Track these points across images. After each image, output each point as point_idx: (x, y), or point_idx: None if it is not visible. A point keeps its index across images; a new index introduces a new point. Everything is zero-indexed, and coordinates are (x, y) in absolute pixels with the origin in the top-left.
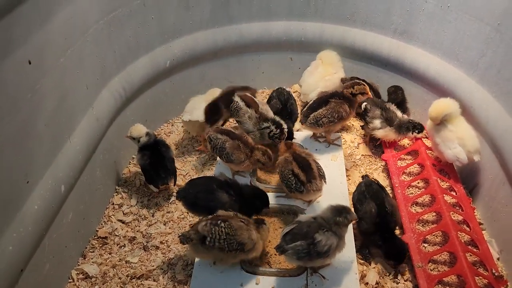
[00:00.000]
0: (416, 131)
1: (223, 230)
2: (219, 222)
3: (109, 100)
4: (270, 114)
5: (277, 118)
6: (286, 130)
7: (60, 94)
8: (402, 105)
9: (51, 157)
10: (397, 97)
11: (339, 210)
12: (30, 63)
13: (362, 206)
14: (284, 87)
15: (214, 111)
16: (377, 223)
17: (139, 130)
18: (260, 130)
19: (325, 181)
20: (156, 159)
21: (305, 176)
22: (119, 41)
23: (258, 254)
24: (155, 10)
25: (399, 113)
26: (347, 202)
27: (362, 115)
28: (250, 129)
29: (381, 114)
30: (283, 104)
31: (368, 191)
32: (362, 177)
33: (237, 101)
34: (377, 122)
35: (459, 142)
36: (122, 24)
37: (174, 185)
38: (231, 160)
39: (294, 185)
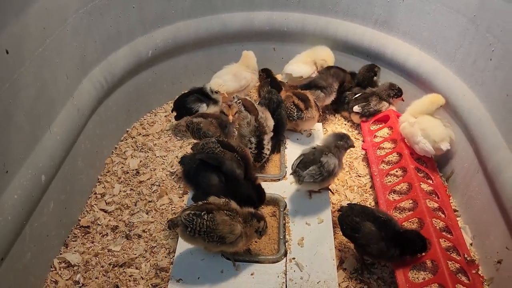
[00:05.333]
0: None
1: (205, 222)
2: (202, 213)
3: (90, 90)
4: (269, 123)
5: (266, 140)
6: (265, 155)
7: (39, 84)
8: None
9: (30, 147)
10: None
11: (340, 136)
12: (7, 52)
13: (360, 231)
14: (275, 92)
15: None
16: (383, 237)
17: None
18: (250, 139)
19: (320, 112)
20: None
21: (303, 105)
22: (100, 30)
23: (239, 250)
24: None
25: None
26: (326, 191)
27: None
28: (245, 134)
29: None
30: (272, 112)
31: (355, 214)
32: (339, 210)
33: (238, 104)
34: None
35: (422, 133)
36: (102, 14)
37: None
38: (210, 136)
39: (295, 113)
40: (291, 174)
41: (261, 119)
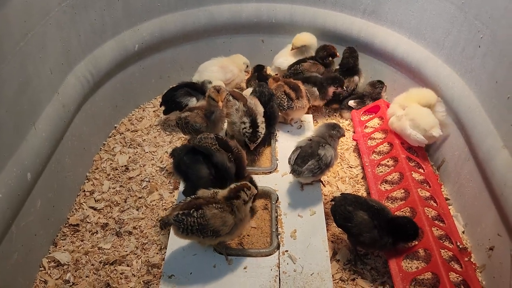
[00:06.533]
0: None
1: (196, 220)
2: (192, 211)
3: (75, 85)
4: (259, 108)
5: (259, 120)
6: (260, 134)
7: (22, 80)
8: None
9: (15, 144)
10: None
11: (332, 125)
12: None
13: (353, 220)
14: (266, 85)
15: None
16: (376, 225)
17: None
18: (240, 123)
19: (310, 102)
20: None
21: (295, 94)
22: (84, 24)
23: (236, 237)
24: None
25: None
26: (318, 183)
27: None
28: (235, 120)
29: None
30: (263, 105)
31: (348, 204)
32: (332, 200)
33: (226, 95)
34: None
35: (411, 124)
36: (86, 7)
37: None
38: (197, 128)
39: (286, 103)
40: (290, 172)
41: (250, 104)
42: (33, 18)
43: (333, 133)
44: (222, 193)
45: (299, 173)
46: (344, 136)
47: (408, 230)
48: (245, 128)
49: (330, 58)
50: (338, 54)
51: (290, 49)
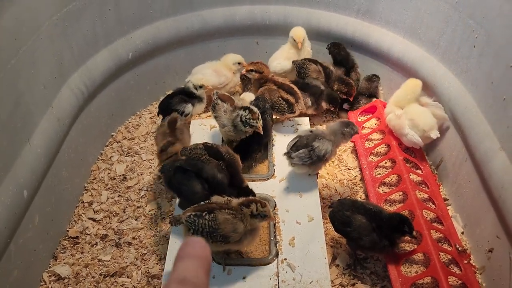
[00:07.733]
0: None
1: (207, 223)
2: (204, 214)
3: (69, 98)
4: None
5: (248, 105)
6: (257, 111)
7: (15, 97)
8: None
9: (9, 162)
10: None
11: (346, 123)
12: None
13: (352, 224)
14: (263, 98)
15: None
16: (374, 227)
17: None
18: (233, 121)
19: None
20: None
21: (293, 98)
22: (76, 36)
23: (243, 248)
24: (112, 1)
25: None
26: (315, 184)
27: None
28: (225, 123)
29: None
30: None
31: (345, 209)
32: (330, 206)
33: (215, 98)
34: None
35: (411, 123)
36: (77, 18)
37: None
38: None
39: (286, 109)
40: (284, 154)
41: (238, 105)
42: (23, 34)
43: (345, 131)
44: (236, 201)
45: (292, 158)
46: (358, 133)
47: (398, 222)
48: (243, 115)
49: (343, 96)
50: (351, 98)
51: (285, 52)
